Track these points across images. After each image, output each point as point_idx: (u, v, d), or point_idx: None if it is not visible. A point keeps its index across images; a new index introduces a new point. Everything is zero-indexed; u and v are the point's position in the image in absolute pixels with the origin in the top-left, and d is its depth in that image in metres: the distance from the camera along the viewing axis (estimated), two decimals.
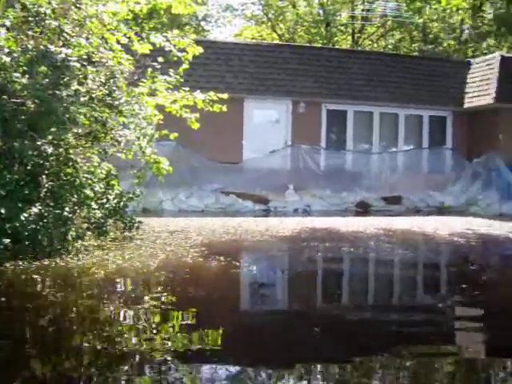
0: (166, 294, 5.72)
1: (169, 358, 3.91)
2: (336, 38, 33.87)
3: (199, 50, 9.46)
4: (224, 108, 9.58)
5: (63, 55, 7.21)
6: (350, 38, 34.20)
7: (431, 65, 18.11)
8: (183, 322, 4.80)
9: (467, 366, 4.09)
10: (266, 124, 16.49)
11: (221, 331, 4.55)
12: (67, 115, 7.14)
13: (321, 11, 33.64)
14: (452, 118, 17.74)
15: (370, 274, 7.78)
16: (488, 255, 9.34)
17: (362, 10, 34.41)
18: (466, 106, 17.26)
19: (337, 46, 30.71)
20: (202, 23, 35.23)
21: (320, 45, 30.15)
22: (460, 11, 31.08)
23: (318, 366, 3.94)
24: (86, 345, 4.17)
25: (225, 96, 9.64)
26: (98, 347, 4.11)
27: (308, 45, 23.79)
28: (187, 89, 9.51)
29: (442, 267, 8.30)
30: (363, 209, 15.32)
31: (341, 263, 8.16)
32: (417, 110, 17.41)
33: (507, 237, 10.90)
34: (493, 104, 16.23)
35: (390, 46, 34.40)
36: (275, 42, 28.45)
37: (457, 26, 34.96)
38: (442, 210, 15.50)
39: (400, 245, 9.75)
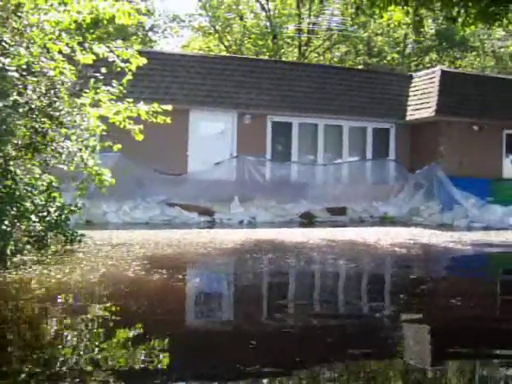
0: (105, 308, 5.64)
1: (111, 379, 3.83)
2: (283, 51, 34.21)
3: (143, 60, 9.38)
4: (168, 120, 9.52)
5: (0, 65, 7.05)
6: (296, 50, 34.58)
7: (375, 78, 18.51)
8: (123, 338, 4.73)
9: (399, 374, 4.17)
10: (212, 135, 16.50)
11: (161, 345, 4.51)
12: (4, 126, 6.98)
13: (268, 24, 33.93)
14: (395, 129, 18.14)
15: (310, 285, 7.83)
16: (427, 265, 9.54)
17: (309, 24, 34.88)
18: (408, 118, 17.69)
19: (284, 59, 31.02)
20: (150, 34, 35.04)
21: (267, 57, 30.43)
22: (404, 26, 31.87)
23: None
24: (22, 364, 4.07)
25: (169, 107, 9.58)
26: (36, 367, 4.00)
27: (254, 57, 23.92)
28: (131, 100, 9.42)
29: (381, 277, 8.42)
30: (308, 220, 15.46)
31: (282, 275, 8.19)
32: (361, 122, 17.73)
33: (447, 246, 11.16)
34: (433, 116, 16.68)
35: (335, 59, 34.95)
36: (222, 53, 28.55)
37: (401, 40, 35.82)
38: (385, 221, 15.78)
39: (342, 255, 9.86)
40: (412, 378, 4.06)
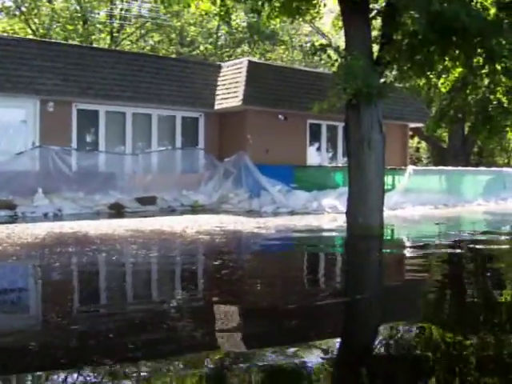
0: None
1: None
2: (94, 37, 33.10)
3: None
4: None
5: None
6: (109, 37, 33.66)
7: (184, 66, 18.47)
8: None
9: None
10: (12, 124, 15.44)
11: None
12: None
13: (78, 7, 32.58)
14: (204, 118, 18.29)
15: (105, 276, 7.56)
16: (230, 250, 9.68)
17: (121, 10, 34.12)
18: (216, 107, 17.90)
19: (95, 45, 30.03)
20: None
21: (77, 42, 29.22)
22: (215, 17, 32.30)
23: None
24: None
25: None
26: None
27: (59, 41, 22.76)
28: None
29: (181, 265, 8.36)
30: (117, 211, 15.07)
31: (78, 267, 7.84)
32: (170, 110, 17.63)
33: (252, 232, 11.45)
34: (240, 106, 17.04)
35: (148, 48, 34.52)
36: (28, 37, 26.88)
37: (214, 31, 36.30)
38: (195, 209, 15.86)
39: (145, 245, 9.69)
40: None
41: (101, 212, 14.89)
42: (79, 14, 32.53)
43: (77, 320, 5.08)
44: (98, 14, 33.94)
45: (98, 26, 33.74)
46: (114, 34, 33.82)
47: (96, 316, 5.28)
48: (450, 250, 9.90)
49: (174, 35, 35.10)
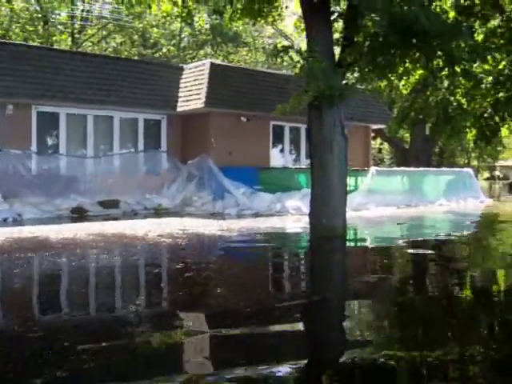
0: None
1: None
2: (55, 38, 32.64)
3: None
4: None
5: None
6: (70, 38, 33.23)
7: (146, 68, 18.30)
8: None
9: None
10: None
11: None
12: None
13: (38, 8, 32.10)
14: (166, 121, 18.16)
15: (62, 281, 7.43)
16: (192, 254, 9.61)
17: (82, 11, 33.73)
18: (179, 109, 17.78)
19: (56, 46, 29.59)
20: None
21: (37, 44, 28.76)
22: (178, 19, 32.14)
23: None
24: None
25: None
26: None
27: (18, 42, 22.34)
28: None
29: (142, 269, 8.27)
30: (80, 215, 14.84)
31: (35, 273, 7.69)
32: (132, 113, 17.46)
33: (215, 234, 11.40)
34: (203, 108, 16.96)
35: (110, 49, 34.18)
36: None
37: (177, 33, 36.13)
38: (158, 212, 15.73)
39: (106, 249, 9.57)
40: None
41: (62, 216, 14.64)
42: (39, 15, 32.07)
43: (31, 327, 4.97)
44: (59, 14, 33.47)
45: (58, 26, 33.30)
46: (76, 36, 33.42)
47: (53, 321, 5.17)
48: (411, 250, 10.00)
49: (136, 37, 34.86)
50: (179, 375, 3.87)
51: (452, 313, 5.71)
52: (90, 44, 34.66)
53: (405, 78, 14.47)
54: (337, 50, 11.99)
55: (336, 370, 4.10)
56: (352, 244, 11.78)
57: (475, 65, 14.69)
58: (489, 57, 15.27)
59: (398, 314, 5.69)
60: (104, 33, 35.20)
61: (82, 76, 16.35)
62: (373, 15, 10.32)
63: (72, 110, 16.45)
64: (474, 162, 61.88)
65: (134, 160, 17.31)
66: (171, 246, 9.83)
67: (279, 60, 12.46)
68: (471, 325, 5.26)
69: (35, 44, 27.08)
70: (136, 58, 30.99)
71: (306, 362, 4.29)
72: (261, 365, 4.01)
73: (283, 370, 3.98)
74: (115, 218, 14.44)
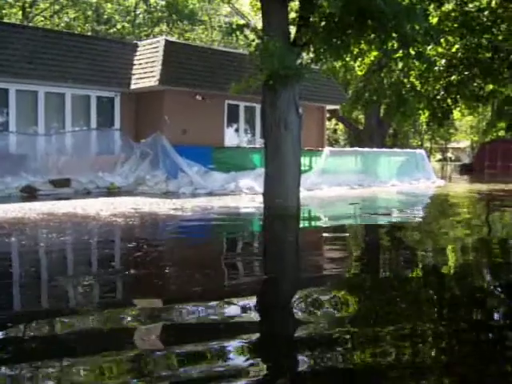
0: None
1: None
2: (5, 11, 31.69)
3: None
4: None
5: None
6: (20, 12, 32.31)
7: (99, 45, 17.90)
8: None
9: None
10: None
11: None
12: None
13: None
14: (120, 99, 17.85)
15: (10, 262, 7.29)
16: (144, 233, 9.55)
17: None
18: (132, 87, 17.48)
19: (5, 20, 28.71)
20: None
21: None
22: None
23: None
24: None
25: None
26: None
27: None
28: None
29: (91, 249, 8.14)
30: (30, 194, 14.51)
31: None
32: (84, 90, 17.10)
33: (168, 213, 11.32)
34: (157, 86, 16.73)
35: (63, 25, 33.37)
36: None
37: (131, 9, 35.50)
38: (111, 191, 15.51)
39: (57, 229, 9.40)
40: None
41: (12, 195, 14.29)
42: None
43: None
44: None
45: (8, 0, 32.31)
46: (27, 10, 32.48)
47: None
48: (362, 230, 10.14)
49: (90, 12, 34.09)
50: (130, 351, 3.85)
51: (403, 290, 5.82)
52: (42, 19, 33.77)
53: (360, 59, 14.55)
54: (293, 30, 11.97)
55: (288, 343, 4.14)
56: (305, 223, 11.86)
57: (429, 47, 14.91)
58: (442, 40, 15.51)
59: (349, 291, 5.75)
60: (56, 7, 34.32)
61: (33, 51, 15.86)
62: None
63: (22, 87, 16.01)
64: (427, 144, 63.05)
65: (86, 138, 16.97)
66: (123, 226, 9.72)
67: (234, 38, 12.36)
68: (420, 302, 5.38)
69: None
70: (89, 33, 30.33)
71: (257, 336, 4.32)
72: (212, 340, 4.03)
73: (234, 344, 4.01)
74: (67, 198, 14.18)
